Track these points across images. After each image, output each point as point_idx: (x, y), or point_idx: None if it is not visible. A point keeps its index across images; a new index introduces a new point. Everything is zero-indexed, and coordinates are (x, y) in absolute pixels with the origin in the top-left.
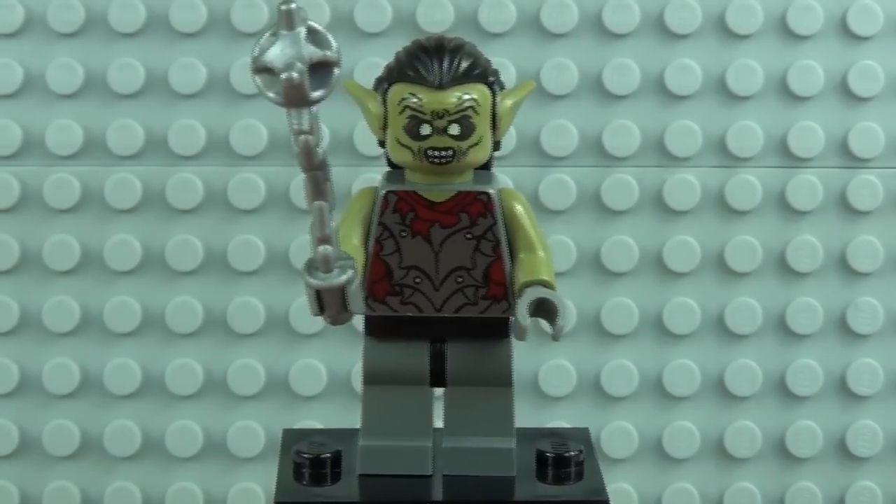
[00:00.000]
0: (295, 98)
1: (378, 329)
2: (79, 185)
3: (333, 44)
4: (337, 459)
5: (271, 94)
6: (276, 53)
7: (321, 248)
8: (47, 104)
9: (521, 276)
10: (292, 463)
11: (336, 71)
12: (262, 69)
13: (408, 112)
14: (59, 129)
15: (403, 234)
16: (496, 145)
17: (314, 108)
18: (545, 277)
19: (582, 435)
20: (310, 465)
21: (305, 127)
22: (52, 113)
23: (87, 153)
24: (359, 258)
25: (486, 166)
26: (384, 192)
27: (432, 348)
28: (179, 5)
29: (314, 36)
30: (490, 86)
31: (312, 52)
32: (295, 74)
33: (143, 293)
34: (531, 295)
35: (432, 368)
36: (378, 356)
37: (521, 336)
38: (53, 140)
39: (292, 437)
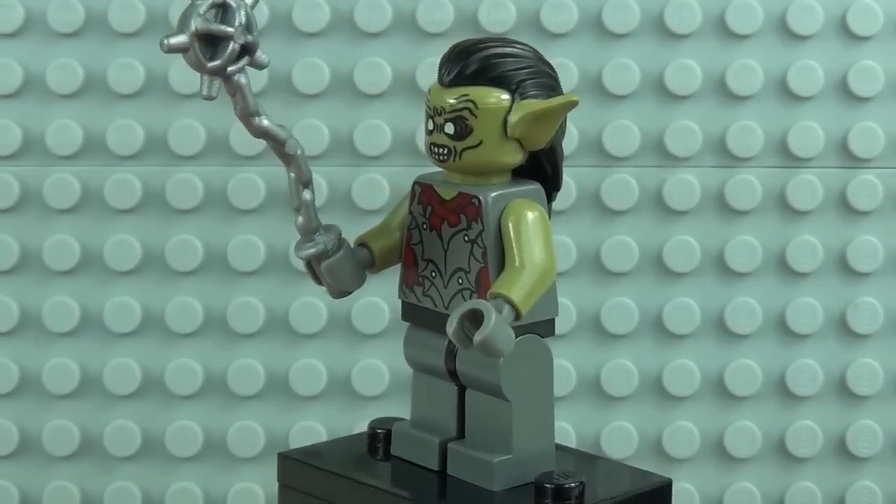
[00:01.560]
0: (192, 63)
1: (410, 316)
2: (79, 185)
3: (237, 20)
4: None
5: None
6: (178, 21)
7: (297, 219)
8: (47, 104)
9: (493, 287)
10: (366, 435)
11: (232, 45)
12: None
13: (425, 107)
14: (59, 129)
15: (424, 226)
16: (552, 155)
17: (238, 79)
18: (509, 293)
19: (659, 483)
20: (379, 440)
21: (213, 93)
22: (52, 113)
23: (87, 153)
24: (383, 242)
25: (546, 179)
26: (414, 182)
27: (449, 345)
28: (179, 5)
29: (222, 10)
30: (513, 91)
31: (203, 24)
32: (171, 40)
33: (143, 293)
34: (465, 305)
35: (449, 367)
36: (412, 343)
37: (460, 345)
38: (53, 140)
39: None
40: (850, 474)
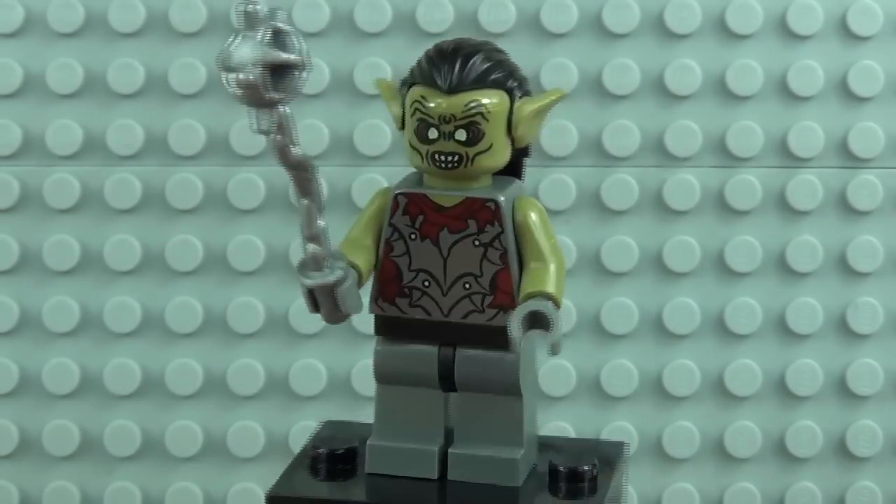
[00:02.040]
0: (252, 98)
1: (388, 329)
2: (79, 185)
3: (297, 47)
4: (351, 456)
5: (234, 93)
6: (235, 53)
7: (309, 247)
8: (47, 104)
9: (526, 287)
10: (308, 456)
11: (299, 74)
12: (227, 68)
13: (417, 115)
14: (59, 129)
15: (413, 236)
16: (524, 152)
17: (284, 109)
18: (548, 290)
19: (616, 449)
20: (324, 460)
21: (265, 127)
22: (52, 113)
23: (87, 153)
24: (366, 257)
25: (514, 173)
26: (395, 193)
27: (441, 352)
28: (179, 5)
29: (278, 37)
30: (510, 92)
31: (267, 53)
32: (242, 76)
33: (143, 293)
34: (526, 307)
35: (441, 372)
36: (388, 356)
37: (514, 347)
38: (53, 140)
39: (326, 429)
40: (850, 474)
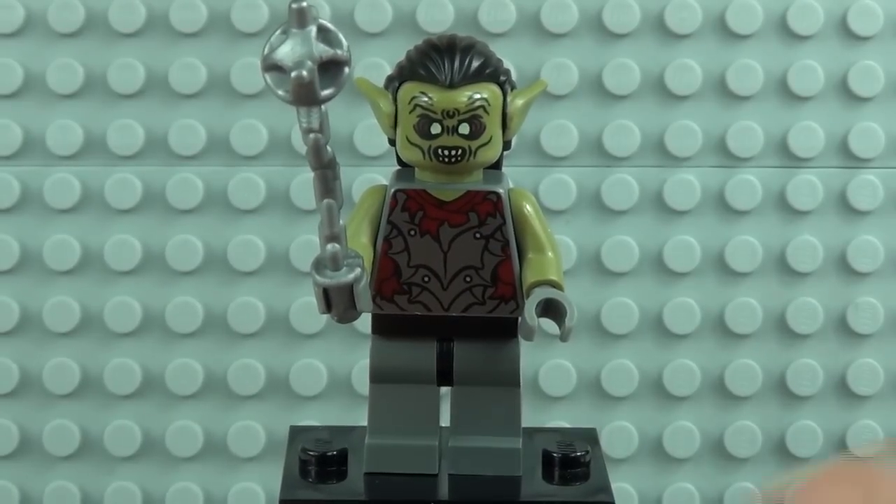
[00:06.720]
0: (304, 96)
1: (385, 327)
2: (79, 185)
3: (344, 43)
4: (343, 457)
5: (280, 93)
6: (287, 51)
7: (330, 247)
8: (47, 104)
9: (530, 276)
10: (298, 460)
11: (346, 70)
12: (272, 67)
13: (418, 111)
14: (59, 129)
15: (412, 232)
16: (506, 145)
17: (323, 107)
18: (554, 278)
19: (589, 435)
20: (315, 463)
21: (315, 125)
22: (52, 113)
23: (87, 153)
24: (367, 256)
25: (496, 165)
26: (393, 190)
27: (439, 347)
28: (179, 5)
29: (325, 34)
30: (501, 85)
31: (323, 50)
32: (305, 73)
33: (143, 293)
34: (540, 295)
35: (439, 367)
36: (385, 354)
37: (529, 336)
38: (53, 140)
39: (299, 434)
40: None
